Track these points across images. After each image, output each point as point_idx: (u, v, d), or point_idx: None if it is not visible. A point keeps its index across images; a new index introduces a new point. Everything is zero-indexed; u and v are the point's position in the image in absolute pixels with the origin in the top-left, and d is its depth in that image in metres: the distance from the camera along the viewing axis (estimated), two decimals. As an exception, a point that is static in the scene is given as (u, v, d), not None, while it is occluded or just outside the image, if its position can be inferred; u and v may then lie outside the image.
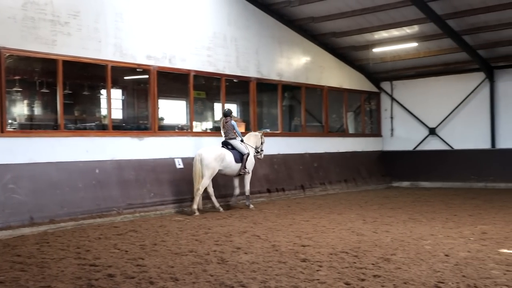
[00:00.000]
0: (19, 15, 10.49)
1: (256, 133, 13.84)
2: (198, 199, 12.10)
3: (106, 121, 12.89)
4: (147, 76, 13.25)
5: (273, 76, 16.25)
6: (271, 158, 15.25)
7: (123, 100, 16.78)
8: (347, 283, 5.85)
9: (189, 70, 13.83)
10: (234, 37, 15.04)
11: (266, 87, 16.77)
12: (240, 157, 12.72)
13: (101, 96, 15.86)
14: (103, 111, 14.93)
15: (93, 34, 11.74)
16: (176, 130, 14.53)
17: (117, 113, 16.21)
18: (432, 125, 19.55)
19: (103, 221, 10.92)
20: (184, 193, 12.85)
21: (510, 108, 17.90)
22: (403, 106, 20.26)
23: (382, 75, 20.33)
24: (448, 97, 19.10)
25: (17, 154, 10.31)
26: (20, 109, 13.25)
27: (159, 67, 13.10)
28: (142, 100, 16.05)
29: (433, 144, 19.57)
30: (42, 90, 13.56)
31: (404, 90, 20.32)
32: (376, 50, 17.89)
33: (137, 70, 13.39)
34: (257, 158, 13.50)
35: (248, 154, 12.91)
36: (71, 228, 10.22)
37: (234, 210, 12.54)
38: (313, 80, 17.72)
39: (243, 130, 14.98)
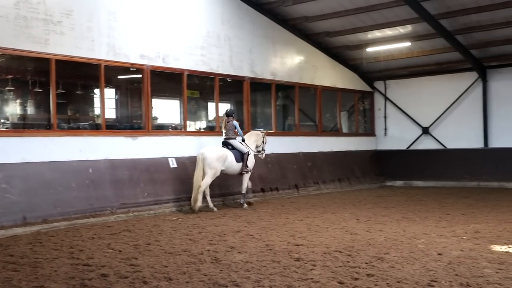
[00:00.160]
0: (12, 14, 10.44)
1: (258, 132, 13.88)
2: (200, 197, 12.10)
3: (99, 121, 12.85)
4: (140, 76, 13.23)
5: (266, 75, 16.26)
6: (265, 157, 15.24)
7: (116, 100, 16.74)
8: (340, 282, 5.86)
9: (182, 70, 13.81)
10: (228, 36, 15.03)
11: (260, 86, 16.78)
12: (241, 157, 12.79)
13: (94, 96, 15.83)
14: (97, 111, 14.90)
15: (86, 33, 11.70)
16: (170, 130, 14.51)
17: (111, 113, 16.18)
18: (425, 124, 19.62)
19: (96, 220, 10.89)
20: (178, 192, 12.84)
21: (502, 107, 17.98)
22: (397, 105, 20.32)
23: (375, 74, 20.39)
24: (441, 96, 19.17)
25: (10, 154, 10.25)
26: (12, 109, 13.20)
27: (152, 66, 13.07)
28: (136, 99, 16.02)
29: (426, 144, 19.64)
30: (35, 90, 13.51)
31: (398, 90, 20.39)
32: (369, 49, 17.93)
33: (131, 69, 13.35)
34: (258, 157, 13.60)
35: (248, 153, 12.99)
36: (64, 228, 10.18)
37: (228, 210, 12.54)
38: (306, 79, 17.75)
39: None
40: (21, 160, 10.39)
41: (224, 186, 13.54)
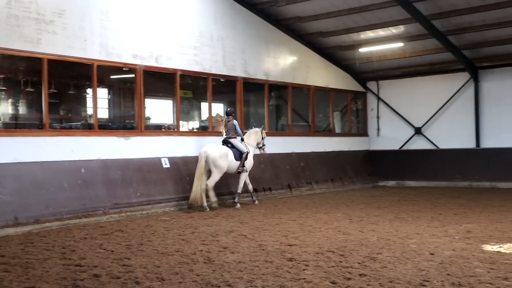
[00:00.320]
0: (3, 13, 10.38)
1: (256, 129, 13.98)
2: (212, 193, 12.42)
3: (92, 121, 12.81)
4: (133, 75, 13.19)
5: (259, 75, 16.26)
6: (257, 157, 15.25)
7: (109, 99, 16.68)
8: (333, 282, 5.87)
9: (175, 70, 13.78)
10: (221, 36, 15.02)
11: (253, 86, 16.78)
12: (239, 156, 12.94)
13: (87, 95, 15.76)
14: (89, 110, 14.84)
15: (78, 33, 11.65)
16: (163, 130, 14.48)
17: (103, 113, 16.12)
18: (417, 124, 19.70)
19: (88, 221, 10.84)
20: (171, 192, 12.83)
21: (494, 108, 18.09)
22: (389, 105, 20.39)
23: (368, 75, 20.44)
24: (433, 97, 19.25)
25: (1, 154, 10.18)
26: (4, 108, 13.12)
27: (145, 66, 13.04)
28: (128, 99, 15.97)
29: (419, 144, 19.72)
30: (27, 89, 13.43)
31: (390, 90, 20.45)
32: (362, 50, 17.98)
33: (123, 69, 13.31)
34: (261, 152, 13.91)
35: (248, 153, 13.11)
36: (56, 228, 10.13)
37: (221, 210, 12.53)
38: (299, 79, 17.76)
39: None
40: (13, 160, 10.33)
41: (217, 186, 13.48)
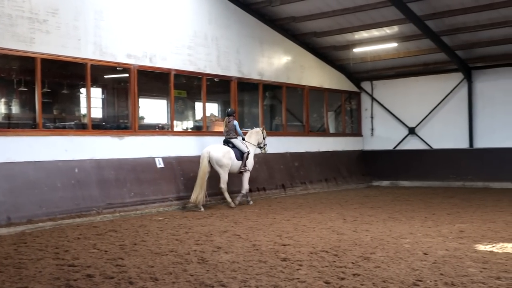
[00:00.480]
0: (-4, 12, 10.34)
1: (257, 129, 14.14)
2: (227, 195, 12.82)
3: (85, 120, 12.77)
4: (127, 75, 13.16)
5: (254, 75, 16.26)
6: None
7: (103, 99, 16.64)
8: (327, 282, 5.88)
9: (169, 69, 13.76)
10: (215, 36, 15.01)
11: (247, 86, 16.77)
12: (241, 155, 13.14)
13: (80, 95, 15.72)
14: (83, 110, 14.80)
15: (72, 32, 11.61)
16: (157, 130, 14.45)
17: (97, 112, 16.08)
18: (411, 124, 19.75)
19: (82, 221, 10.81)
20: (164, 192, 12.80)
21: (487, 108, 18.16)
22: (383, 106, 20.43)
23: (362, 75, 20.48)
24: (427, 97, 19.31)
25: (-6, 153, 10.16)
26: (-3, 108, 13.07)
27: (139, 66, 13.01)
28: (122, 99, 15.93)
29: (413, 144, 19.77)
30: (20, 89, 13.39)
31: (384, 90, 20.50)
32: (356, 50, 18.01)
33: (117, 68, 13.28)
34: (262, 152, 14.20)
35: (249, 152, 13.31)
36: (49, 228, 10.10)
37: (215, 210, 12.52)
38: (294, 79, 17.77)
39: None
40: (6, 160, 10.28)
41: (214, 186, 13.44)
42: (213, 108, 20.10)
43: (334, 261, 6.87)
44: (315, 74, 18.81)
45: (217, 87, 16.44)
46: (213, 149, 12.71)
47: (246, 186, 13.40)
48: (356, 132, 21.02)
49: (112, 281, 6.04)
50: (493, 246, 7.74)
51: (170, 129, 14.12)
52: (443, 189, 17.24)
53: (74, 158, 11.42)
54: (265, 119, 17.65)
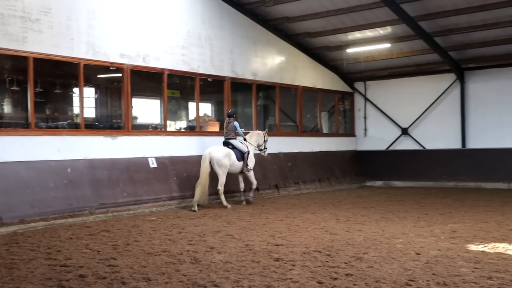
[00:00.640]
0: (-12, 11, 10.29)
1: (259, 131, 14.34)
2: (223, 198, 12.78)
3: (78, 120, 12.72)
4: (120, 75, 13.13)
5: (247, 75, 16.26)
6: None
7: (96, 99, 16.58)
8: (319, 282, 5.89)
9: (163, 69, 13.74)
10: (209, 36, 14.99)
11: (241, 86, 16.77)
12: (241, 156, 13.25)
13: (73, 95, 15.66)
14: (76, 110, 14.74)
15: (65, 32, 11.57)
16: (150, 129, 14.43)
17: (90, 112, 16.02)
18: (404, 125, 19.82)
19: (75, 221, 10.76)
20: (157, 192, 12.78)
21: (479, 109, 18.25)
22: (376, 106, 20.49)
23: (355, 75, 20.53)
24: (420, 97, 19.38)
25: (-14, 153, 10.10)
26: (-11, 107, 13.01)
27: (132, 65, 12.98)
28: (116, 98, 15.88)
29: (406, 144, 19.84)
30: (12, 88, 13.32)
31: (378, 91, 20.55)
32: (350, 50, 18.05)
33: (110, 68, 13.25)
34: (261, 155, 14.41)
35: (248, 152, 13.43)
36: (41, 228, 10.04)
37: (208, 210, 12.51)
38: (287, 79, 17.79)
39: (217, 130, 15.01)
40: (-2, 160, 10.24)
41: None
42: (206, 108, 20.08)
43: (327, 261, 6.88)
44: (309, 75, 18.83)
45: (210, 87, 16.43)
46: (214, 150, 12.81)
47: (254, 181, 13.71)
48: (349, 132, 21.06)
49: (104, 281, 6.02)
50: (485, 246, 7.78)
51: (163, 129, 14.09)
52: (435, 189, 17.31)
53: (67, 158, 11.38)
54: (259, 119, 17.65)
